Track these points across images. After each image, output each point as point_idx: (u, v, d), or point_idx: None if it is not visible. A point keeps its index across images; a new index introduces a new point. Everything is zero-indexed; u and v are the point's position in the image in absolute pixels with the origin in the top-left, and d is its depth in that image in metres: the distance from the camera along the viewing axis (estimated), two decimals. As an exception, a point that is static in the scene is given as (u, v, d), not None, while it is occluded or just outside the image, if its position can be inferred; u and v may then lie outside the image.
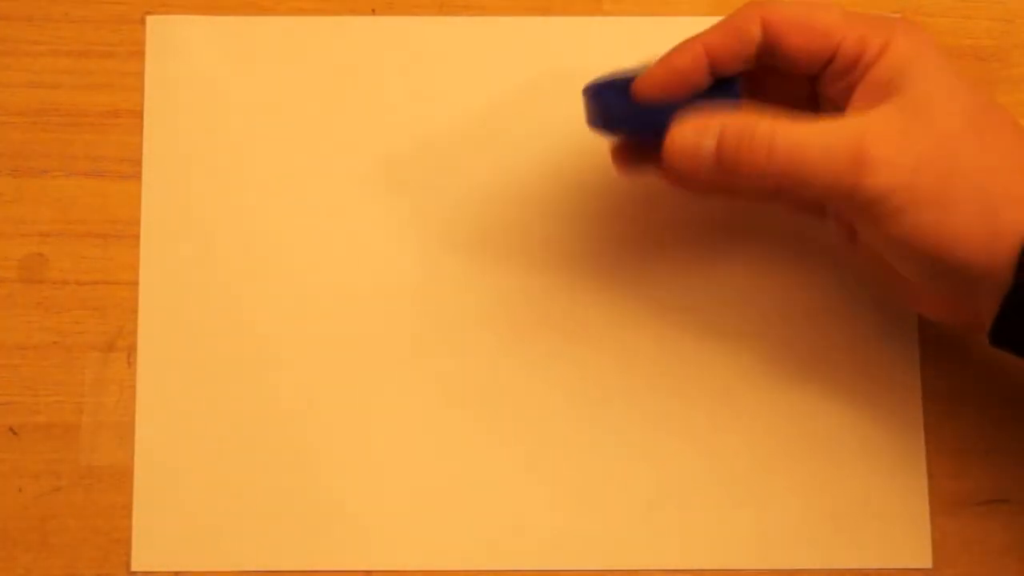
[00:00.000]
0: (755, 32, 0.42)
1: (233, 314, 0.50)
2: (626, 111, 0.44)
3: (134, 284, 0.50)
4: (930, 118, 0.41)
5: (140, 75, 0.52)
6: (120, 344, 0.50)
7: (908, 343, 0.50)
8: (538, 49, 0.52)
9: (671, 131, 0.42)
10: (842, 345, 0.50)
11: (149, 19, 0.52)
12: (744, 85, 0.44)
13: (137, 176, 0.51)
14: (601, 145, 0.47)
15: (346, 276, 0.51)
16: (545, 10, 0.52)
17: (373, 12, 0.52)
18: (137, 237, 0.51)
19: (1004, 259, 0.40)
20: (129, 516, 0.49)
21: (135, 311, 0.50)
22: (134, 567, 0.49)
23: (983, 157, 0.41)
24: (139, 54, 0.52)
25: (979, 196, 0.40)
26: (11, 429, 0.50)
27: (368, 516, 0.49)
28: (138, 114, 0.51)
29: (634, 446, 0.50)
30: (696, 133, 0.42)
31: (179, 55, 0.52)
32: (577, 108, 0.45)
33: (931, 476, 0.49)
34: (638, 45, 0.51)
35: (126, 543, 0.49)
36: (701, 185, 0.46)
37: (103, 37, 0.52)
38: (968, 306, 0.43)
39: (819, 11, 0.43)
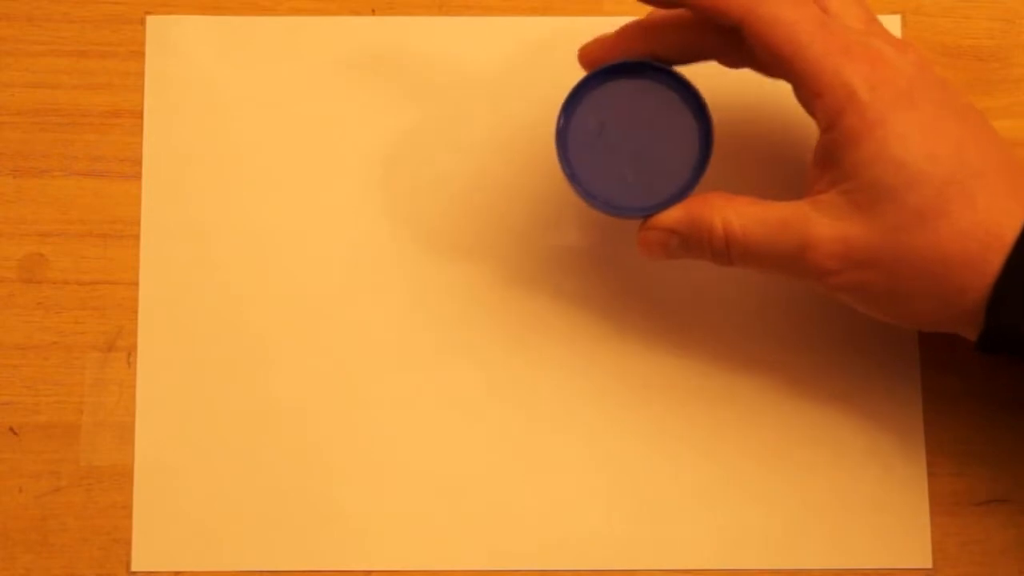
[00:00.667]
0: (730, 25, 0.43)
1: (232, 314, 0.50)
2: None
3: (134, 284, 0.50)
4: (877, 212, 0.41)
5: (140, 75, 0.52)
6: (120, 344, 0.50)
7: (908, 343, 0.50)
8: (538, 49, 0.52)
9: (640, 234, 0.45)
10: (842, 345, 0.50)
11: (149, 19, 0.52)
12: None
13: (137, 176, 0.51)
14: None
15: (345, 276, 0.51)
16: (545, 10, 0.52)
17: (373, 12, 0.52)
18: (137, 237, 0.51)
19: (967, 319, 0.42)
20: (129, 516, 0.49)
21: (135, 311, 0.50)
22: (134, 567, 0.49)
23: (933, 244, 0.41)
24: (139, 54, 0.52)
25: (930, 279, 0.41)
26: (11, 429, 0.50)
27: (368, 516, 0.49)
28: (138, 114, 0.51)
29: (634, 446, 0.50)
30: (662, 237, 0.44)
31: (179, 55, 0.52)
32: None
33: (931, 476, 0.49)
34: (638, 45, 0.52)
35: (126, 543, 0.49)
36: None
37: (103, 37, 0.52)
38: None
39: (799, 23, 0.42)
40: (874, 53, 0.42)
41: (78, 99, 0.52)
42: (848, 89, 0.41)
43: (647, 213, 0.44)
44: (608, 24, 0.52)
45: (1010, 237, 0.40)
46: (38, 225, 0.51)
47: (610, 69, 0.45)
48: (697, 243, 0.44)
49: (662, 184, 0.44)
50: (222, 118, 0.52)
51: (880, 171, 0.41)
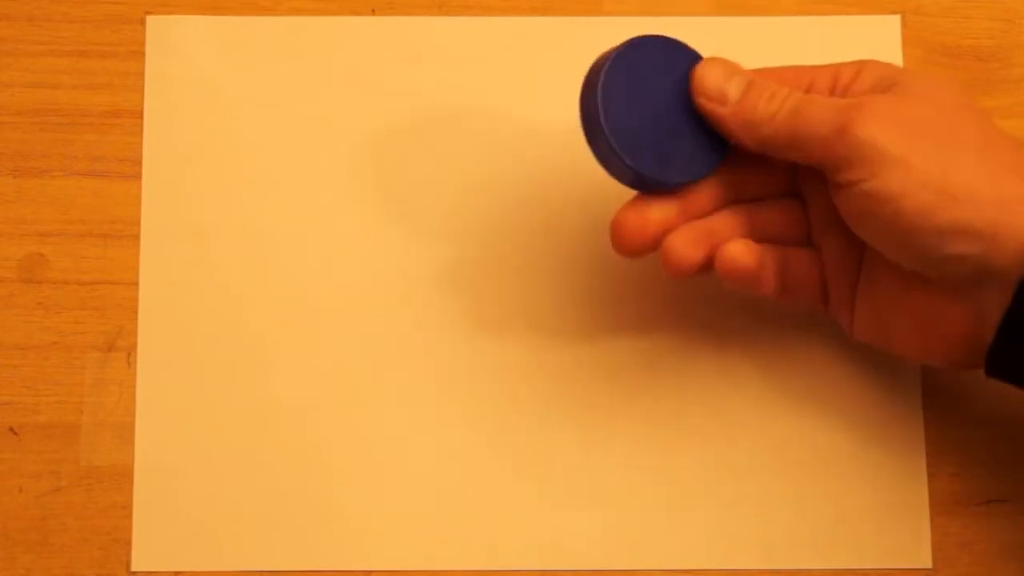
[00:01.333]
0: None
1: (232, 314, 0.50)
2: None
3: (134, 284, 0.50)
4: (927, 101, 0.42)
5: (140, 75, 0.52)
6: (120, 344, 0.50)
7: (908, 343, 0.50)
8: (538, 49, 0.52)
9: (704, 64, 0.44)
10: (842, 344, 0.50)
11: (149, 19, 0.52)
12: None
13: (137, 176, 0.51)
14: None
15: (345, 276, 0.51)
16: (545, 10, 0.52)
17: (373, 12, 0.52)
18: (137, 237, 0.51)
19: (1006, 261, 0.40)
20: (129, 516, 0.49)
21: (135, 311, 0.50)
22: (134, 567, 0.49)
23: (980, 143, 0.41)
24: (139, 54, 0.52)
25: (977, 185, 0.40)
26: (11, 429, 0.50)
27: (368, 516, 0.49)
28: (138, 114, 0.52)
29: (634, 447, 0.50)
30: (725, 77, 0.44)
31: (179, 55, 0.52)
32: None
33: (931, 476, 0.49)
34: (638, 45, 0.52)
35: (126, 543, 0.49)
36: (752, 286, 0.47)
37: (103, 37, 0.52)
38: (968, 328, 0.42)
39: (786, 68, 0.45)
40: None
41: (78, 99, 0.52)
42: (859, 62, 0.44)
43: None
44: (608, 24, 0.52)
45: None
46: (38, 225, 0.51)
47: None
48: (757, 94, 0.43)
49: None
50: (222, 118, 0.52)
51: (923, 83, 0.43)
